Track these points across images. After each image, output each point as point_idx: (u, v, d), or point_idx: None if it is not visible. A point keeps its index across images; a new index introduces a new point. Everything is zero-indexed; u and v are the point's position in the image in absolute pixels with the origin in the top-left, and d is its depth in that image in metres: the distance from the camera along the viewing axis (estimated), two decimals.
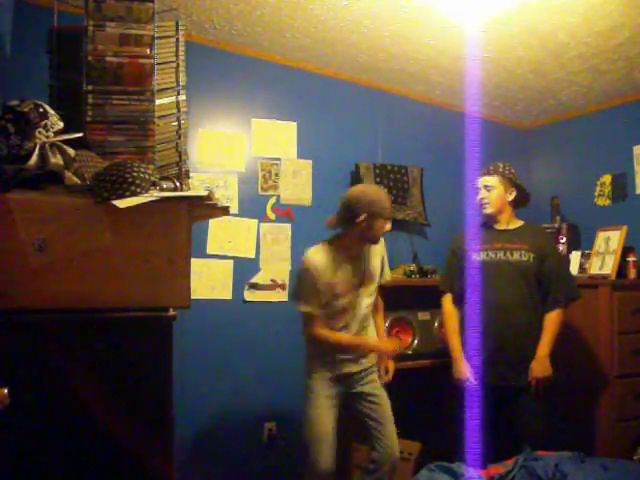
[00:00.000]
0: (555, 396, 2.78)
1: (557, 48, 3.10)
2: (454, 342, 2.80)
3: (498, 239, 2.78)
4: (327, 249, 2.50)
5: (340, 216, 2.49)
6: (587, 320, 3.11)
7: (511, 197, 2.80)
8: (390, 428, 2.60)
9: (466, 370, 2.71)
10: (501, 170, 2.79)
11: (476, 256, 2.79)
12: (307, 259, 2.46)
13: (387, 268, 2.69)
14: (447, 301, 2.90)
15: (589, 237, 3.48)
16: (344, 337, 2.52)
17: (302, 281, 2.48)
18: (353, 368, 2.56)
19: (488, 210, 2.81)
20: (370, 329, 2.65)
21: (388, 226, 2.54)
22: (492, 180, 2.79)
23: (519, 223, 2.85)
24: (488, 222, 2.84)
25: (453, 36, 2.99)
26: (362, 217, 2.38)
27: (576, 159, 4.02)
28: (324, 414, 2.50)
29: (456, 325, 2.82)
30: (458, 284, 2.85)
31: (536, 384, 2.62)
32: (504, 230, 2.81)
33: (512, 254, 2.73)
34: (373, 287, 2.59)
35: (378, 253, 2.62)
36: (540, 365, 2.62)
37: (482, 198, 2.81)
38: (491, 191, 2.79)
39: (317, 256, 2.47)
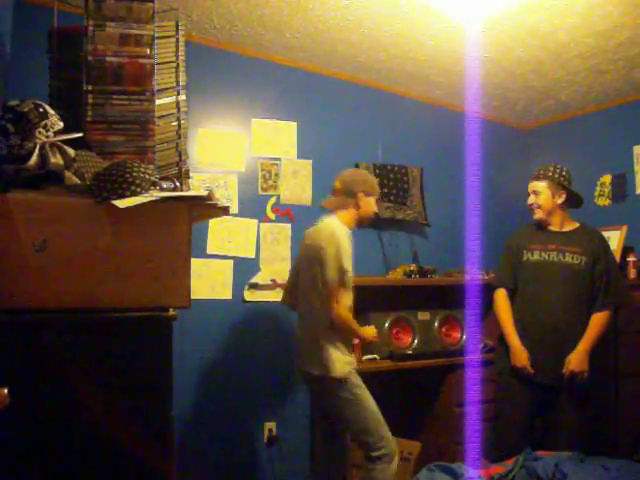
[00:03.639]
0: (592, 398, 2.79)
1: (557, 48, 3.11)
2: (510, 331, 2.79)
3: (552, 240, 2.80)
4: (341, 225, 2.58)
5: (338, 197, 2.61)
6: None
7: (560, 200, 2.80)
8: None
9: (525, 358, 2.71)
10: (550, 174, 2.79)
11: (530, 255, 2.82)
12: (339, 227, 2.53)
13: None
14: (500, 295, 2.90)
15: None
16: (354, 323, 2.54)
17: (342, 257, 2.47)
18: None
19: (537, 215, 2.83)
20: None
21: (376, 208, 2.69)
22: (540, 185, 2.80)
23: (574, 225, 2.85)
24: (542, 224, 2.86)
25: (453, 36, 2.99)
26: (359, 195, 2.57)
27: (576, 159, 4.01)
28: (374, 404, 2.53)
29: (510, 316, 2.83)
30: (512, 280, 2.88)
31: (569, 376, 2.63)
32: (558, 232, 2.82)
33: (564, 256, 2.75)
34: None
35: None
36: (577, 358, 2.63)
37: (531, 203, 2.84)
38: (539, 196, 2.81)
39: (343, 227, 2.56)
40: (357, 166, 3.54)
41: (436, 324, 3.39)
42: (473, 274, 3.36)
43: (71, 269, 1.42)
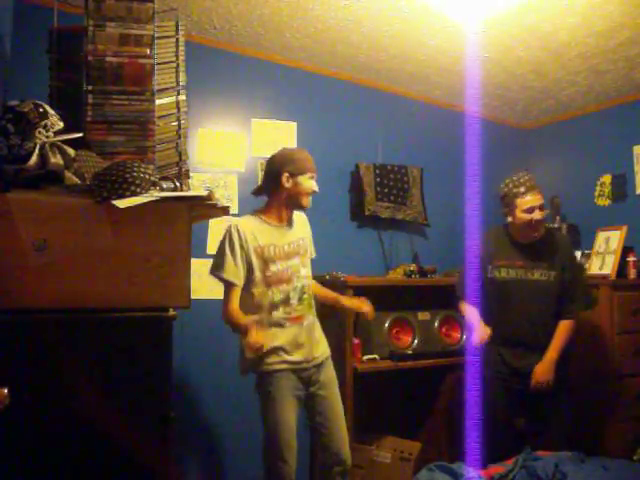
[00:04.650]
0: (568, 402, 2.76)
1: (557, 48, 3.10)
2: (472, 312, 2.71)
3: (520, 256, 2.68)
4: (253, 216, 2.39)
5: (264, 181, 2.42)
6: (587, 320, 3.10)
7: None
8: (337, 424, 2.42)
9: (484, 333, 2.63)
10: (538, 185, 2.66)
11: (497, 272, 2.71)
12: (230, 225, 2.32)
13: (312, 247, 2.55)
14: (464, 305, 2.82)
15: (589, 237, 3.48)
16: (241, 317, 2.26)
17: (224, 248, 2.29)
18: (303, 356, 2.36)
19: (540, 233, 2.65)
20: (312, 310, 2.44)
21: (315, 187, 2.38)
22: (542, 199, 2.65)
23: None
24: (513, 236, 2.72)
25: (453, 36, 2.99)
26: (284, 177, 2.30)
27: (576, 159, 4.02)
28: (289, 418, 2.31)
29: (475, 309, 2.73)
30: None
31: (535, 385, 2.60)
32: (527, 245, 2.69)
33: (533, 273, 2.66)
34: (307, 257, 2.45)
35: (305, 226, 2.51)
36: (543, 369, 2.60)
37: (539, 220, 2.61)
38: (543, 211, 2.64)
39: (242, 222, 2.34)
40: (357, 166, 3.54)
41: (436, 324, 3.38)
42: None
43: (71, 269, 1.42)
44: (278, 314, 2.33)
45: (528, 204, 2.60)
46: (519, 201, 2.62)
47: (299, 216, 2.51)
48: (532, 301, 2.65)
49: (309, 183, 2.36)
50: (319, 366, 2.42)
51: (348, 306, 2.60)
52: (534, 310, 2.65)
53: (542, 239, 2.70)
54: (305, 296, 2.40)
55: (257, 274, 2.32)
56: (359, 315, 2.72)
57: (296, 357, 2.34)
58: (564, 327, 2.65)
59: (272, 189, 2.37)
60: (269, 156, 2.45)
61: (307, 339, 2.38)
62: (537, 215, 2.60)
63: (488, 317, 2.72)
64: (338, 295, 2.64)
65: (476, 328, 2.69)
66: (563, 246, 2.74)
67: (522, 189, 2.63)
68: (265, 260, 2.31)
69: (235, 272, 2.28)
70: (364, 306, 2.55)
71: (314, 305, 2.48)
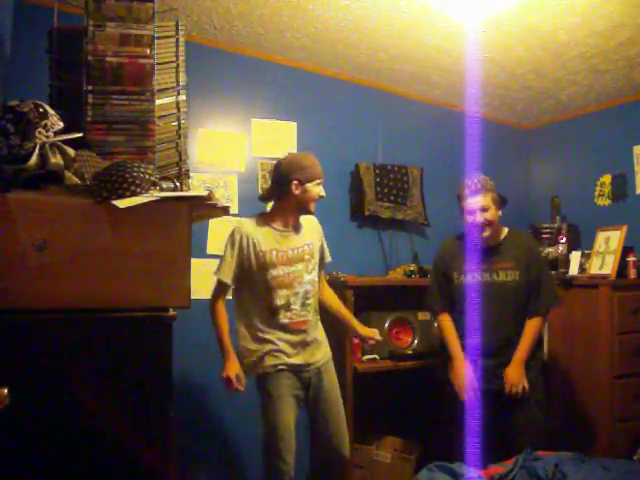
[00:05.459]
0: (551, 398, 2.75)
1: (557, 48, 3.10)
2: (455, 345, 2.70)
3: (484, 259, 2.68)
4: (259, 220, 2.42)
5: (272, 187, 2.45)
6: (587, 320, 3.10)
7: (500, 212, 2.69)
8: (338, 423, 2.46)
9: (467, 380, 2.62)
10: (489, 187, 2.65)
11: (463, 277, 2.71)
12: (233, 227, 2.39)
13: (327, 251, 2.59)
14: (444, 319, 2.81)
15: (589, 237, 3.48)
16: (224, 334, 2.39)
17: (226, 249, 2.37)
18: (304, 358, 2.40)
19: (487, 232, 2.65)
20: (316, 316, 2.47)
21: (323, 192, 2.42)
22: (486, 200, 2.63)
23: (503, 233, 2.74)
24: (475, 240, 2.70)
25: (453, 36, 2.99)
26: (293, 184, 2.33)
27: (576, 159, 4.02)
28: (288, 418, 2.34)
29: (454, 334, 2.74)
30: (446, 303, 2.79)
31: (509, 389, 2.58)
32: (490, 247, 2.69)
33: (498, 275, 2.66)
34: (313, 263, 2.45)
35: (315, 232, 2.53)
36: (515, 370, 2.59)
37: (481, 222, 2.63)
38: (487, 212, 2.63)
39: (244, 224, 2.39)
40: (357, 166, 3.54)
41: (436, 324, 3.38)
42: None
43: (71, 269, 1.42)
44: (279, 318, 2.35)
45: (469, 206, 2.65)
46: (463, 204, 2.69)
47: (310, 220, 2.52)
48: (499, 304, 2.63)
49: (317, 189, 2.40)
50: (319, 369, 2.43)
51: (359, 331, 2.62)
52: (502, 313, 2.64)
53: (505, 240, 2.73)
54: (309, 302, 2.41)
55: (257, 278, 2.35)
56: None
57: (296, 360, 2.37)
58: (531, 327, 2.65)
59: (280, 195, 2.41)
60: (276, 161, 2.49)
61: (308, 343, 2.40)
62: (478, 217, 2.63)
63: (457, 330, 2.72)
64: (352, 318, 2.66)
65: (458, 367, 2.66)
66: (526, 245, 2.75)
67: (466, 192, 2.67)
68: (265, 265, 2.34)
69: (227, 273, 2.35)
70: (375, 336, 2.59)
71: (318, 310, 2.49)
